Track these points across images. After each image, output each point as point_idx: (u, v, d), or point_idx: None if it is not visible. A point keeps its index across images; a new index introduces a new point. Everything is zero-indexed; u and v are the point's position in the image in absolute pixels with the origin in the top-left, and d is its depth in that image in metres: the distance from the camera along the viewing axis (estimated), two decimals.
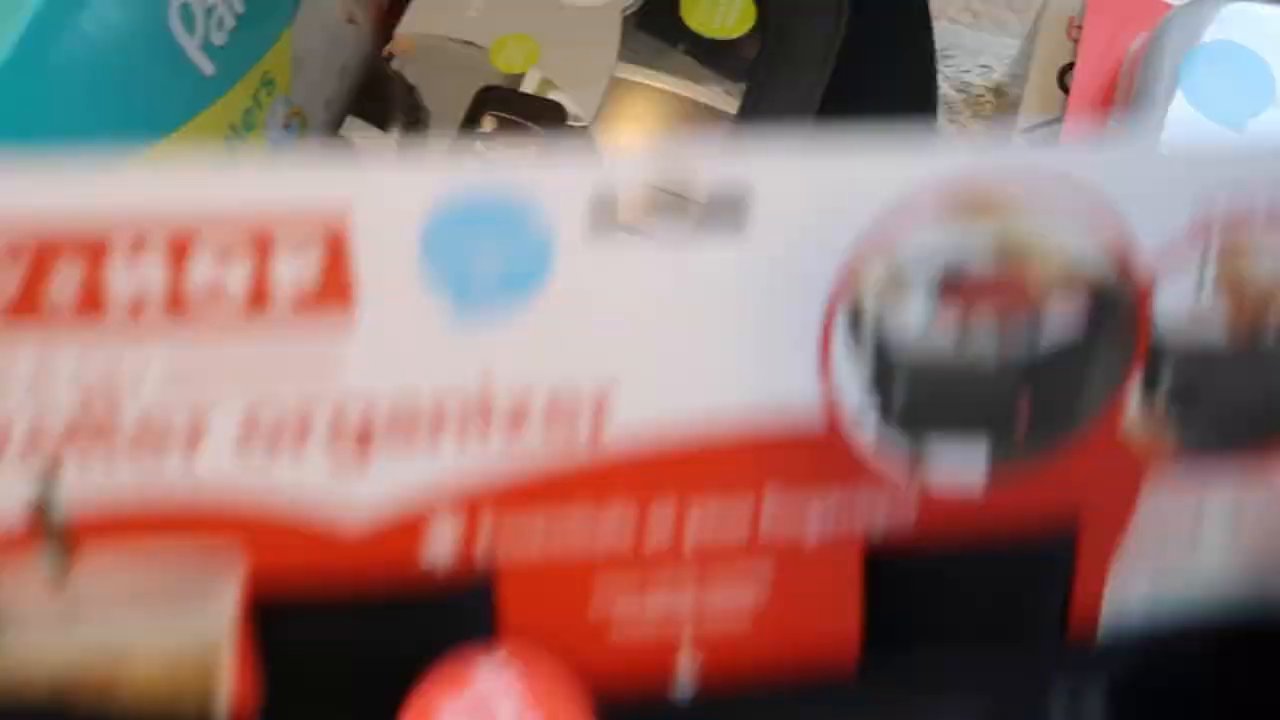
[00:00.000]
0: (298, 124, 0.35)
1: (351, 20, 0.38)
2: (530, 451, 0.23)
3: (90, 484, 0.22)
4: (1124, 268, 0.23)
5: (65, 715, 0.22)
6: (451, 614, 0.24)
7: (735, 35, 0.37)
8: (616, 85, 0.35)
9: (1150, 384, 0.24)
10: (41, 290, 0.20)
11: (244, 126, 0.33)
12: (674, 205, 0.21)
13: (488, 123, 0.35)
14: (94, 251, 0.20)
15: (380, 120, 0.35)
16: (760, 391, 0.23)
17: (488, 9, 0.37)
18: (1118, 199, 0.22)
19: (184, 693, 0.24)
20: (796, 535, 0.24)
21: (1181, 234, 0.23)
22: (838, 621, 0.25)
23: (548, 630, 0.24)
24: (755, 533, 0.24)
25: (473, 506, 0.23)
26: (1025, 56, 0.41)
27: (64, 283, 0.20)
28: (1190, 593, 0.26)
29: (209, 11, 0.30)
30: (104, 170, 0.20)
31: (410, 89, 0.36)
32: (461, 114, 0.35)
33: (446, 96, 0.36)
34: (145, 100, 0.29)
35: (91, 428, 0.21)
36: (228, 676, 0.24)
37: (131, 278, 0.20)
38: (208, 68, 0.31)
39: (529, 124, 0.35)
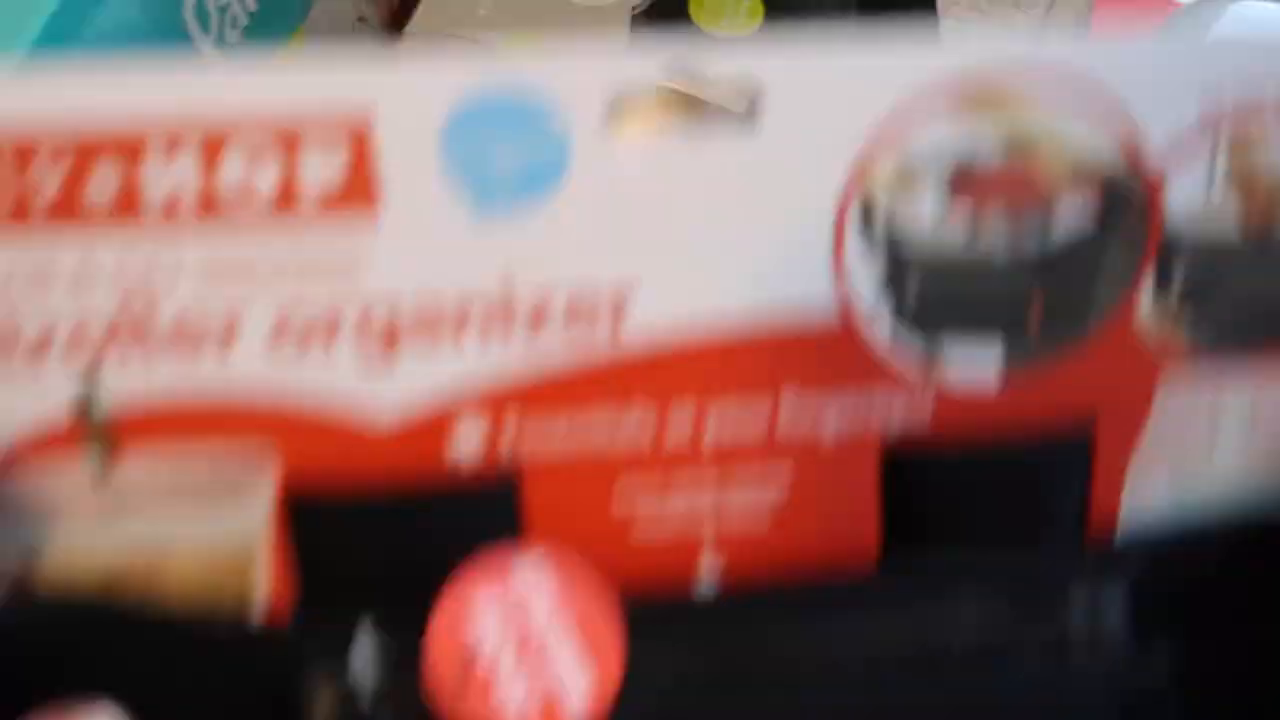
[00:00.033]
0: None
1: (362, 19, 0.38)
2: (551, 351, 0.23)
3: (130, 382, 0.23)
4: (1134, 162, 0.23)
5: (111, 609, 0.23)
6: (478, 512, 0.24)
7: (744, 33, 0.37)
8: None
9: (1163, 280, 0.24)
10: (80, 192, 0.21)
11: None
12: (688, 103, 0.22)
13: None
14: (130, 153, 0.21)
15: None
16: (775, 290, 0.23)
17: (497, 8, 0.37)
18: (1126, 92, 0.23)
19: (222, 589, 0.25)
20: (813, 434, 0.25)
21: (1191, 127, 0.23)
22: (856, 521, 0.26)
23: (572, 528, 0.25)
24: (773, 432, 0.25)
25: (496, 405, 0.24)
26: None
27: (102, 184, 0.21)
28: (1208, 492, 0.26)
29: (223, 10, 0.31)
30: (139, 74, 0.21)
31: None
32: None
33: None
34: None
35: (130, 327, 0.22)
36: (264, 574, 0.24)
37: (166, 178, 0.21)
38: None
39: None
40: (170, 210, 0.21)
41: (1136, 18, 0.40)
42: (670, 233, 0.23)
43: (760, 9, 0.38)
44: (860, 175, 0.23)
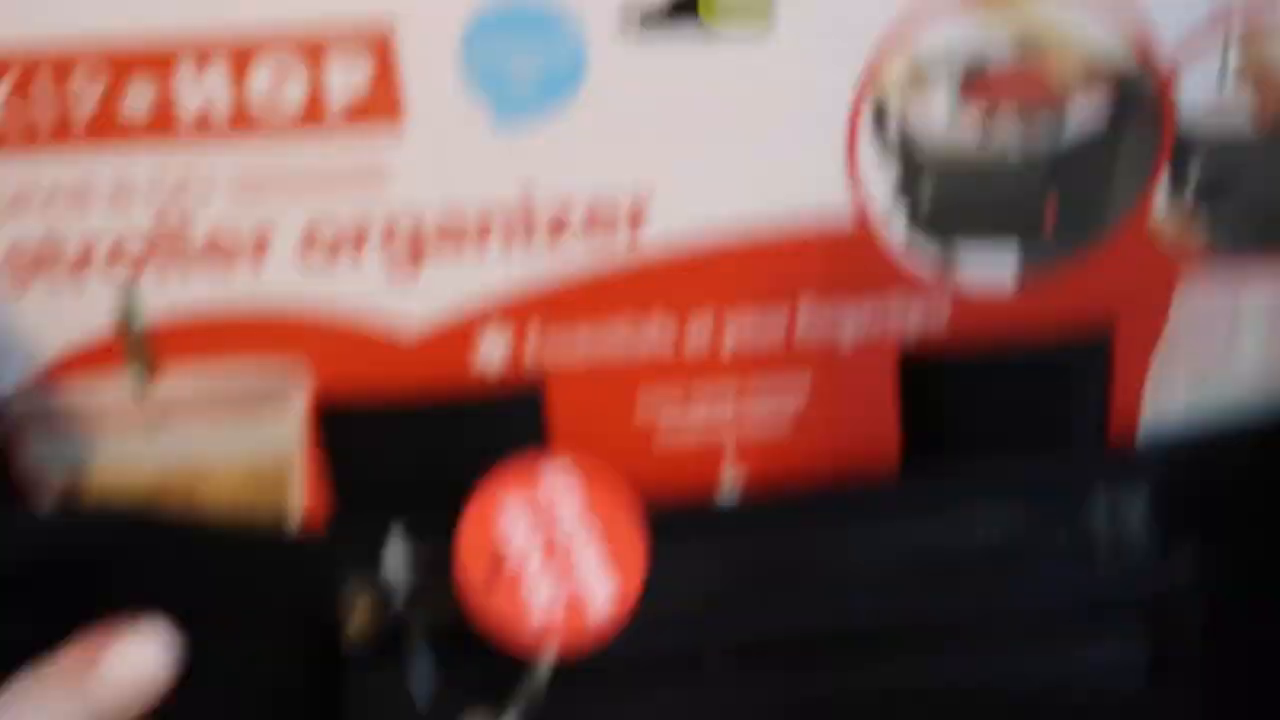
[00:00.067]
0: None
1: None
2: (571, 259, 0.24)
3: (167, 297, 0.23)
4: (1145, 58, 0.23)
5: (155, 517, 0.24)
6: (505, 420, 0.25)
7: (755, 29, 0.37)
8: None
9: (1178, 179, 0.24)
10: (117, 108, 0.22)
11: None
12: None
13: None
14: (162, 68, 0.22)
15: None
16: (791, 196, 0.24)
17: None
18: None
19: (260, 500, 0.25)
20: (831, 340, 0.25)
21: (1201, 21, 0.23)
22: (876, 428, 0.26)
23: (596, 436, 0.25)
24: (791, 338, 0.25)
25: (520, 314, 0.24)
26: None
27: (137, 99, 0.22)
28: (1228, 394, 0.26)
29: None
30: None
31: None
32: None
33: None
34: None
35: (166, 242, 0.23)
36: (299, 484, 0.25)
37: (197, 92, 0.22)
38: None
39: None
40: (202, 124, 0.22)
41: None
42: (686, 140, 0.23)
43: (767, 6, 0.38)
44: (872, 77, 0.23)
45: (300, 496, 0.25)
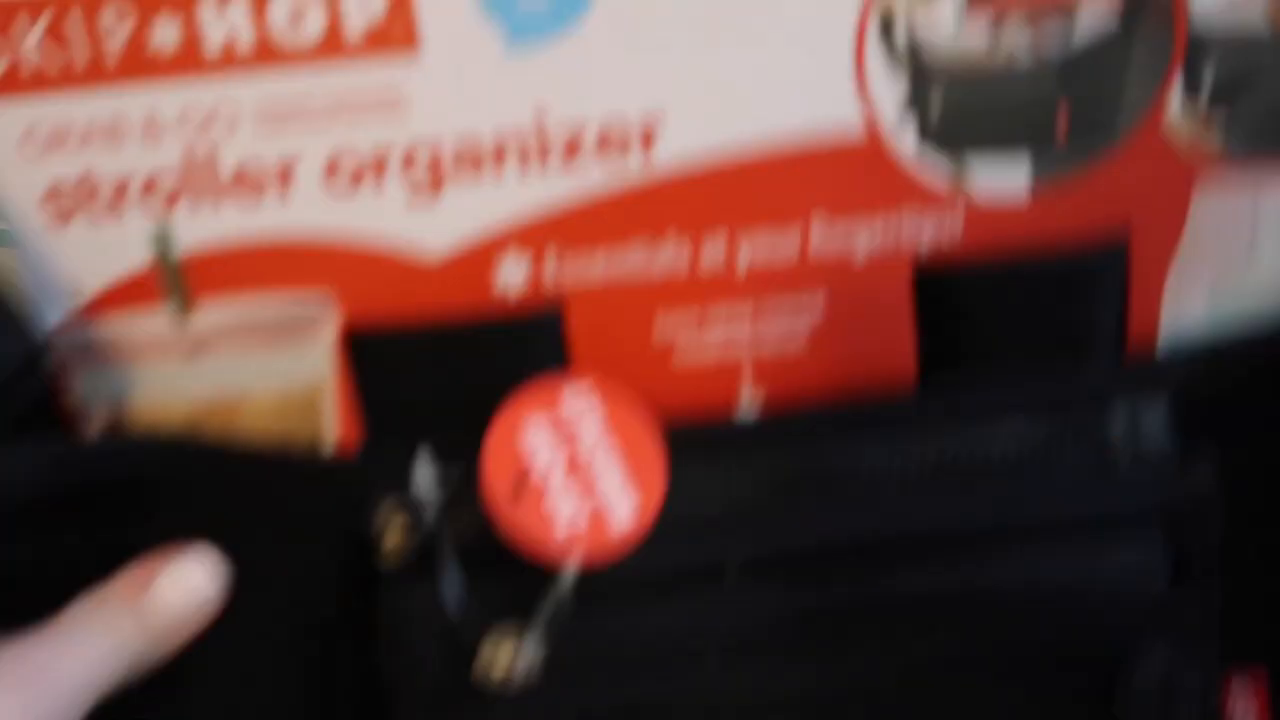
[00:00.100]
0: None
1: None
2: (586, 182, 0.24)
3: (200, 228, 0.24)
4: None
5: (197, 442, 0.25)
6: (526, 342, 0.26)
7: None
8: None
9: (1192, 81, 0.24)
10: (145, 43, 0.23)
11: None
12: None
13: None
14: (188, 2, 0.23)
15: None
16: (801, 110, 0.24)
17: None
18: None
19: (295, 426, 0.26)
20: (845, 256, 0.25)
21: None
22: (892, 343, 0.26)
23: (615, 357, 0.26)
24: (805, 255, 0.25)
25: (538, 237, 0.25)
26: None
27: (164, 34, 0.23)
28: (1248, 301, 0.26)
29: None
30: None
31: None
32: None
33: None
34: None
35: (197, 176, 0.24)
36: (331, 409, 0.26)
37: (221, 25, 0.23)
38: None
39: None
40: (226, 57, 0.23)
41: None
42: (695, 58, 0.24)
43: None
44: None
45: (333, 422, 0.26)
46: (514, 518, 0.24)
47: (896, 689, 0.27)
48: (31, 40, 0.23)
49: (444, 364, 0.26)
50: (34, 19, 0.22)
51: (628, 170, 0.24)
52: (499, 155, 0.24)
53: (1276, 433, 0.26)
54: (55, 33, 0.23)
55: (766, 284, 0.26)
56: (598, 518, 0.25)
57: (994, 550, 0.26)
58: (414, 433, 0.26)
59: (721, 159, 0.24)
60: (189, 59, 0.23)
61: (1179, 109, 0.24)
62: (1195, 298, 0.26)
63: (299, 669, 0.27)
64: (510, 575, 0.25)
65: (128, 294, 0.25)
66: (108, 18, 0.23)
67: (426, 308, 0.25)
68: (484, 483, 0.24)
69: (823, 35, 0.23)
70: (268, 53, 0.23)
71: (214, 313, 0.25)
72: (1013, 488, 0.26)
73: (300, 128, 0.24)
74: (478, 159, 0.24)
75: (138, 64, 0.23)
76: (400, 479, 0.25)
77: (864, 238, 0.25)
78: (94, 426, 0.26)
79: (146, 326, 0.25)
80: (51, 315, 0.25)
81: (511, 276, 0.25)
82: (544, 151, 0.24)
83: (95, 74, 0.23)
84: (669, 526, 0.25)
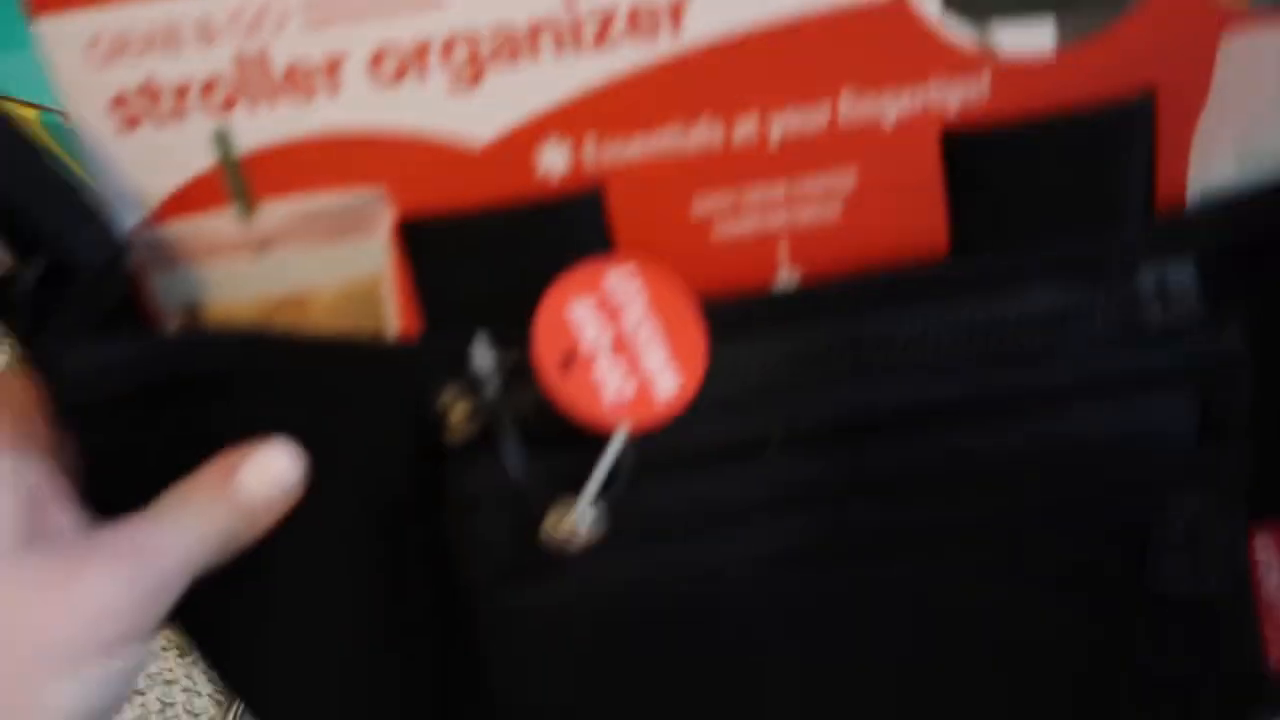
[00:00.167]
0: None
1: None
2: (619, 63, 0.25)
3: (257, 128, 0.26)
4: None
5: (269, 333, 0.27)
6: (570, 223, 0.27)
7: None
8: None
9: None
10: None
11: None
12: None
13: None
14: None
15: None
16: None
17: None
18: None
19: (358, 318, 0.28)
20: (875, 125, 0.26)
21: None
22: (924, 212, 0.27)
23: (656, 233, 0.27)
24: (835, 126, 0.26)
25: (576, 120, 0.26)
26: None
27: None
28: (1275, 156, 0.26)
29: None
30: None
31: None
32: None
33: None
34: None
35: (251, 75, 0.25)
36: (391, 298, 0.28)
37: None
38: None
39: None
40: None
41: None
42: None
43: None
44: None
45: (394, 312, 0.27)
46: (564, 389, 0.26)
47: (934, 546, 0.28)
48: None
49: (493, 248, 0.27)
50: None
51: (659, 48, 0.25)
52: (534, 41, 0.25)
53: None
54: None
55: (799, 157, 0.26)
56: (643, 390, 0.26)
57: (1027, 411, 0.27)
58: (470, 317, 0.27)
59: (750, 30, 0.25)
60: None
61: None
62: (1223, 156, 0.26)
63: (374, 545, 0.29)
64: (568, 449, 0.26)
65: (194, 197, 0.26)
66: None
67: (474, 196, 0.26)
68: (534, 358, 0.26)
69: None
70: None
71: (276, 211, 0.27)
72: (1045, 350, 0.27)
73: (345, 24, 0.25)
74: (514, 46, 0.25)
75: None
76: (460, 363, 0.27)
77: (892, 104, 0.26)
78: (170, 326, 0.28)
79: (213, 227, 0.27)
80: (125, 221, 0.26)
81: (552, 161, 0.26)
82: (577, 34, 0.25)
83: None
84: (711, 400, 0.26)
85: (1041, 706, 0.30)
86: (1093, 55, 0.25)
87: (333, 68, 0.25)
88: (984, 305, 0.27)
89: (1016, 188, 0.27)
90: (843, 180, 0.27)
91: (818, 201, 0.27)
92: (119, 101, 0.25)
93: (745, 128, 0.26)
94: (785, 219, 0.27)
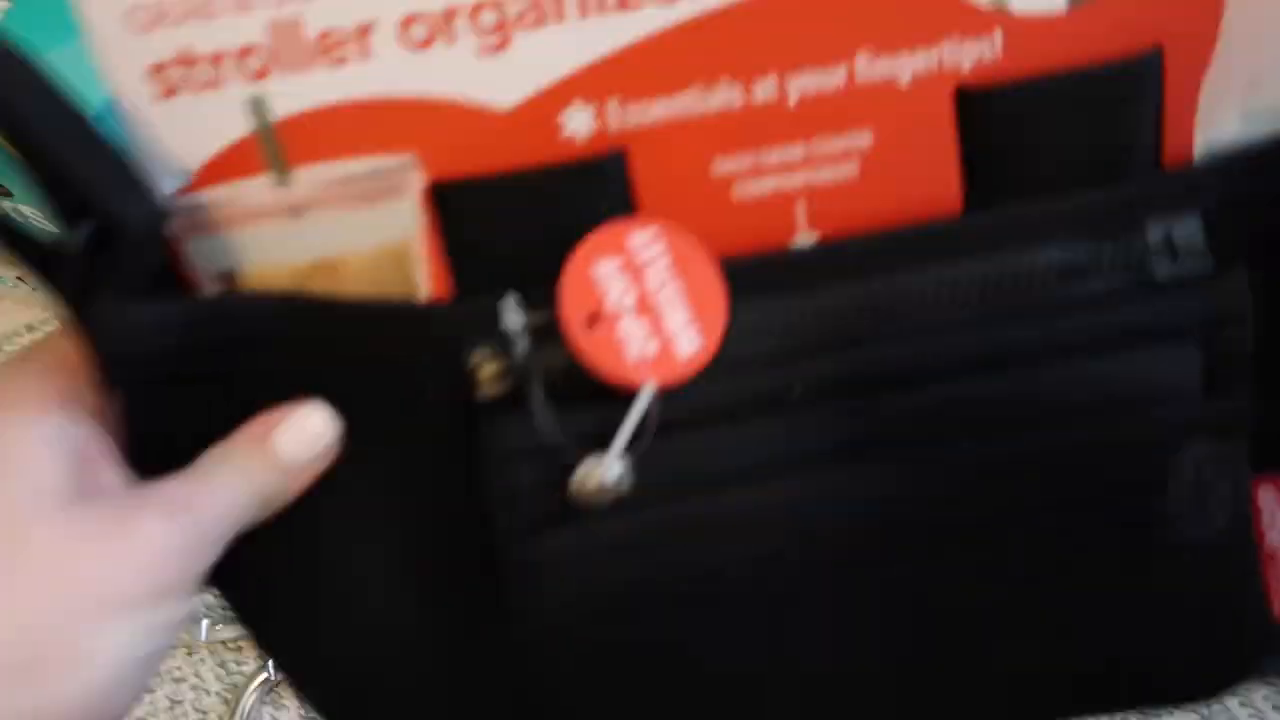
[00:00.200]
0: None
1: None
2: (641, 26, 0.26)
3: (292, 95, 0.27)
4: None
5: (305, 297, 0.28)
6: (594, 184, 0.27)
7: None
8: None
9: None
10: None
11: None
12: None
13: None
14: None
15: None
16: None
17: None
18: None
19: (392, 282, 0.29)
20: (890, 81, 0.27)
21: None
22: (939, 170, 0.28)
23: (677, 193, 0.28)
24: (852, 82, 0.27)
25: (598, 83, 0.27)
26: None
27: None
28: None
29: None
30: None
31: None
32: None
33: None
34: None
35: (285, 43, 0.26)
36: (422, 261, 0.28)
37: None
38: None
39: None
40: None
41: None
42: None
43: None
44: None
45: (425, 275, 0.28)
46: (589, 347, 0.27)
47: (953, 494, 0.29)
48: None
49: (520, 210, 0.28)
50: None
51: (679, 12, 0.26)
52: (559, 5, 0.26)
53: None
54: None
55: (816, 118, 0.27)
56: (665, 348, 0.27)
57: (1038, 363, 0.28)
58: (498, 279, 0.28)
59: None
60: None
61: None
62: (1230, 110, 0.27)
63: (408, 504, 0.30)
64: (597, 406, 0.27)
65: (230, 164, 0.27)
66: None
67: (502, 159, 0.27)
68: (560, 317, 0.27)
69: None
70: None
71: (310, 176, 0.28)
72: (1056, 303, 0.28)
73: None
74: (540, 11, 0.26)
75: None
76: (491, 323, 0.28)
77: (908, 64, 0.27)
78: (207, 290, 0.29)
79: (249, 193, 0.28)
80: (163, 188, 0.27)
81: (577, 124, 0.27)
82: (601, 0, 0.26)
83: None
84: (732, 357, 0.27)
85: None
86: (1103, 13, 0.26)
87: (363, 34, 0.26)
88: (996, 259, 0.28)
89: (1028, 144, 0.28)
90: (859, 140, 0.27)
91: (835, 161, 0.28)
92: (157, 70, 0.26)
93: (764, 89, 0.27)
94: (803, 179, 0.28)
